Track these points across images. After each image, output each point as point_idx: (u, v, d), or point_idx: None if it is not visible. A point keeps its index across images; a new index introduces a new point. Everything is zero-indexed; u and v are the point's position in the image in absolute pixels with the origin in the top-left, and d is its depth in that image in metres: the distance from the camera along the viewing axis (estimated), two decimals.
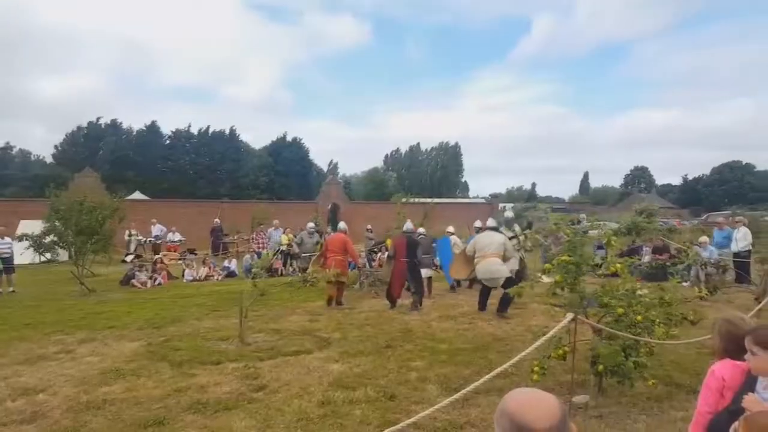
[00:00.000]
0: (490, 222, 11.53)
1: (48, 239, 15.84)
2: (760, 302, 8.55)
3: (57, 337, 8.90)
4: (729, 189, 73.14)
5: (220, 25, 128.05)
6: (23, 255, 17.00)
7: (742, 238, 14.15)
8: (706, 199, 72.53)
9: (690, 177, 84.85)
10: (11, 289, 14.92)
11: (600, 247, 11.59)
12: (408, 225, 12.31)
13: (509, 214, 13.30)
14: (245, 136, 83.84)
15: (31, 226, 18.47)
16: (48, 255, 16.39)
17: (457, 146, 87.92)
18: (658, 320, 5.50)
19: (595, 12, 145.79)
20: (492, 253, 10.35)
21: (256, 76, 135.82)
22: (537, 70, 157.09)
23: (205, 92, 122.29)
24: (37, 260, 17.65)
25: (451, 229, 15.19)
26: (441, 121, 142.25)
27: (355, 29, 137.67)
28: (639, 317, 5.38)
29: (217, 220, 23.12)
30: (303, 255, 16.19)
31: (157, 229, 23.95)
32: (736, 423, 2.58)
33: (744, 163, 79.01)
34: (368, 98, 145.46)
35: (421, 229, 13.98)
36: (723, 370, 3.24)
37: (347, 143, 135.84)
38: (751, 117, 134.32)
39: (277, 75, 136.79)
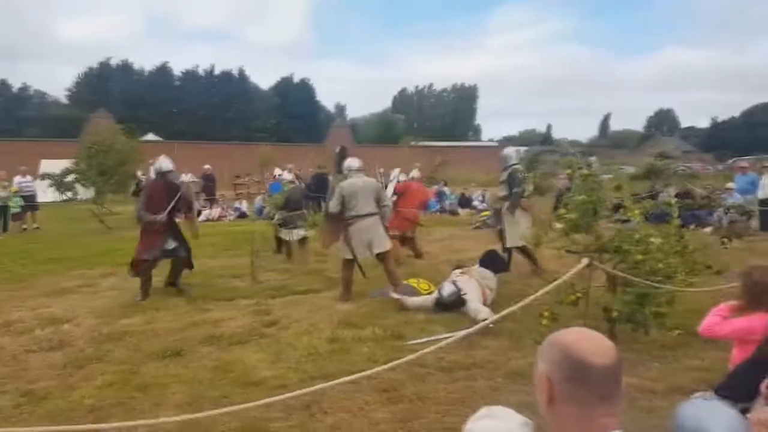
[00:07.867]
0: (355, 163, 7.61)
1: (69, 178, 16.21)
2: None
3: (80, 271, 9.31)
4: (760, 133, 69.59)
5: None
6: (46, 193, 17.37)
7: None
8: (734, 143, 70.06)
9: (719, 119, 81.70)
10: (35, 225, 15.34)
11: None
12: (163, 164, 7.96)
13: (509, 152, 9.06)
14: (256, 78, 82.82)
15: (52, 166, 18.79)
16: (69, 194, 16.73)
17: (473, 88, 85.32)
18: (680, 269, 5.30)
19: None
20: (367, 210, 7.20)
21: (271, 16, 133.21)
22: (562, 5, 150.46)
23: (219, 33, 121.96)
24: (58, 199, 18.01)
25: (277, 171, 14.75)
26: (457, 62, 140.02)
27: None
28: (660, 265, 5.14)
29: (207, 166, 22.63)
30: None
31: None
32: None
33: None
34: (382, 38, 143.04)
35: (395, 172, 11.58)
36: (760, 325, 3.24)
37: (357, 84, 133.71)
38: None
39: (292, 15, 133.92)
